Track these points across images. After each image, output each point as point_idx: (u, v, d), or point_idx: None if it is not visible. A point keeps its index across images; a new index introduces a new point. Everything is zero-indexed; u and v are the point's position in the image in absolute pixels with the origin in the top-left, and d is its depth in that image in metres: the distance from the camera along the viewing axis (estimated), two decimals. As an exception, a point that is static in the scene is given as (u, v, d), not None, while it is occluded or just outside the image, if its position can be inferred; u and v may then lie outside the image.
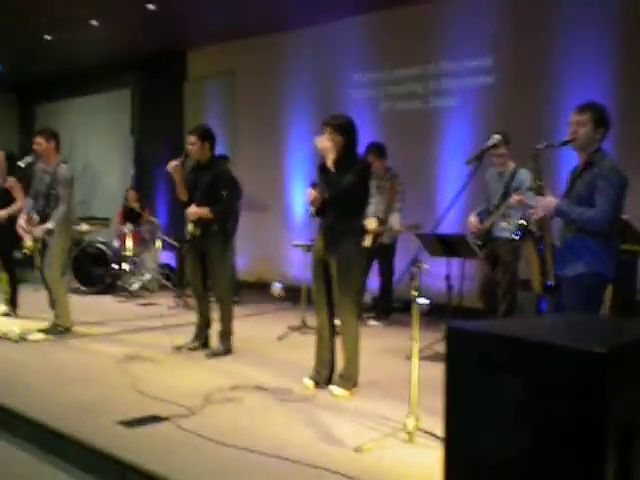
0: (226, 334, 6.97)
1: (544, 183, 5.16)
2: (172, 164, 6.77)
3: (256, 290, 10.98)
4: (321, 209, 5.62)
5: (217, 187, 6.84)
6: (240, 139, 11.61)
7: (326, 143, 5.44)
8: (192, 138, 6.84)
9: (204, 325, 7.14)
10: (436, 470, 3.92)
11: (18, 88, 16.08)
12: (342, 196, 5.46)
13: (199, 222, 6.84)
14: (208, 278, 6.97)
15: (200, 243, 6.90)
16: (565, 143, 4.65)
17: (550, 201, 4.65)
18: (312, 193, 5.56)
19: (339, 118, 5.56)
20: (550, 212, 4.63)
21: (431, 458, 4.15)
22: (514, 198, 6.64)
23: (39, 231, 7.61)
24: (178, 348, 7.05)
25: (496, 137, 4.55)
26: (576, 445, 2.34)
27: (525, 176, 6.83)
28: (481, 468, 2.66)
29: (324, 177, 5.58)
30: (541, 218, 4.73)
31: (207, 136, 6.89)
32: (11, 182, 8.79)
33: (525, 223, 5.61)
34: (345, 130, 5.49)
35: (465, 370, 2.69)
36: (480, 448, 2.64)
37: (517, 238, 5.60)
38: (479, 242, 7.10)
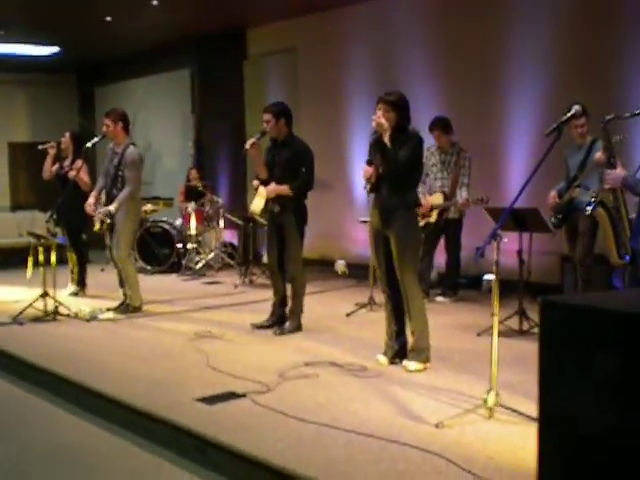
0: (296, 311, 7.00)
1: (615, 154, 5.08)
2: (250, 142, 6.81)
3: (320, 267, 10.99)
4: (376, 185, 5.63)
5: (296, 164, 6.84)
6: (301, 116, 11.55)
7: (381, 120, 5.45)
8: (266, 116, 6.84)
9: (279, 303, 7.16)
10: (520, 446, 3.91)
11: (78, 69, 16.23)
12: (397, 171, 5.47)
13: (277, 199, 6.86)
14: (284, 255, 7.00)
15: (278, 219, 6.92)
16: (635, 115, 4.58)
17: (619, 173, 4.59)
18: (368, 170, 5.61)
19: (392, 94, 5.57)
20: (619, 184, 4.58)
21: (513, 434, 4.12)
22: (597, 156, 6.44)
23: (101, 213, 7.74)
24: (254, 326, 7.10)
25: (576, 107, 4.45)
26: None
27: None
28: (576, 443, 2.62)
29: (379, 153, 5.60)
30: (610, 190, 4.69)
31: (281, 113, 6.87)
32: (78, 164, 8.90)
33: (596, 196, 5.53)
34: (398, 106, 5.50)
35: (560, 344, 2.64)
36: (576, 423, 2.60)
37: (590, 210, 5.53)
38: (559, 216, 7.02)
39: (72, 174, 8.82)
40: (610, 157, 5.04)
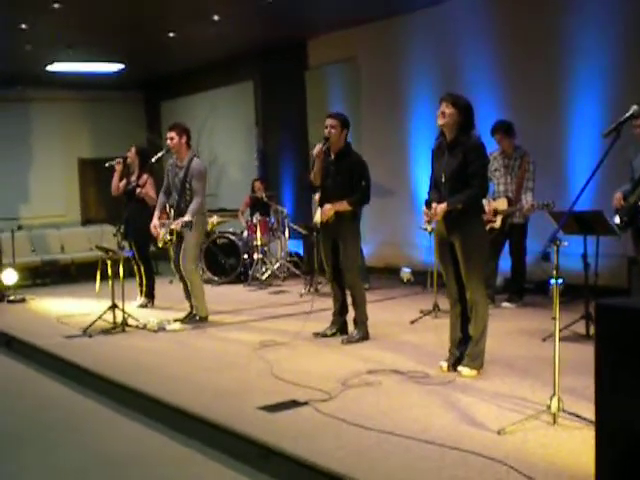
0: (361, 320, 7.02)
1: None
2: (318, 148, 6.84)
3: (385, 276, 10.99)
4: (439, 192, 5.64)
5: (354, 176, 6.86)
6: (363, 126, 11.60)
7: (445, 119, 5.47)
8: (332, 121, 6.82)
9: (339, 311, 7.21)
10: (582, 452, 3.87)
11: (144, 86, 16.55)
12: (461, 179, 5.46)
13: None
14: (340, 264, 7.03)
15: (333, 229, 6.96)
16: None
17: None
18: (427, 213, 5.61)
19: (456, 94, 5.58)
20: None
21: (576, 440, 4.08)
22: None
23: (177, 224, 7.78)
24: (317, 335, 7.15)
25: (634, 107, 4.39)
26: None
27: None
28: (633, 447, 2.60)
29: (439, 158, 5.62)
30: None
31: (346, 123, 6.92)
32: (144, 179, 9.08)
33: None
34: (460, 104, 5.49)
35: (617, 348, 2.62)
36: (633, 427, 2.57)
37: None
38: (625, 219, 6.90)
39: (142, 192, 8.98)
40: None
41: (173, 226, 7.82)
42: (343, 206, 6.82)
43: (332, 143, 6.90)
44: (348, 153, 6.95)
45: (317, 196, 7.21)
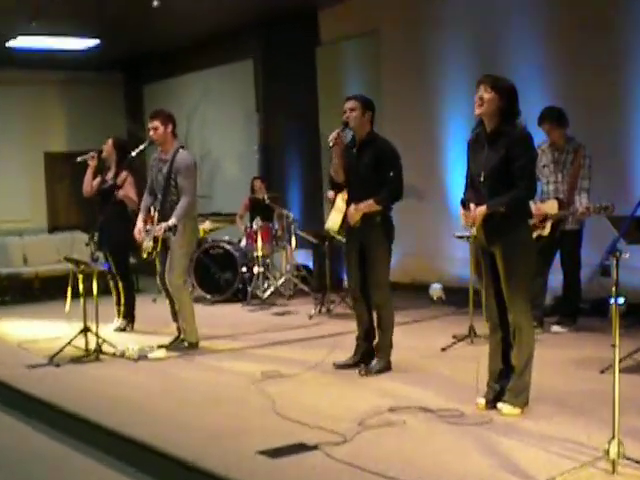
0: (384, 347, 7.01)
1: None
2: (334, 134, 6.84)
3: (411, 293, 10.99)
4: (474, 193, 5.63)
5: (381, 167, 6.84)
6: (386, 113, 11.51)
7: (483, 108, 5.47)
8: (351, 103, 6.86)
9: (364, 336, 7.18)
10: (648, 507, 3.86)
11: (123, 66, 16.59)
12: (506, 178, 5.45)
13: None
14: (367, 279, 7.04)
15: (359, 235, 6.95)
16: None
17: None
18: (467, 216, 5.59)
19: (497, 76, 5.57)
20: None
21: (640, 492, 4.09)
22: None
23: (160, 229, 7.81)
24: (337, 365, 7.15)
25: None
26: None
27: None
28: None
29: (477, 152, 5.63)
30: None
31: (369, 105, 6.93)
32: (123, 176, 9.15)
33: None
34: (501, 87, 5.47)
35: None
36: None
37: None
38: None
39: (120, 193, 9.03)
40: None
41: (156, 232, 7.85)
42: (370, 206, 6.80)
43: (354, 130, 6.93)
44: (373, 140, 6.95)
45: (330, 194, 7.23)
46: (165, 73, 15.81)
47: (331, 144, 6.84)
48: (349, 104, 6.87)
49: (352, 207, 6.86)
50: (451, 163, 10.74)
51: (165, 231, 7.74)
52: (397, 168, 6.89)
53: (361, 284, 7.05)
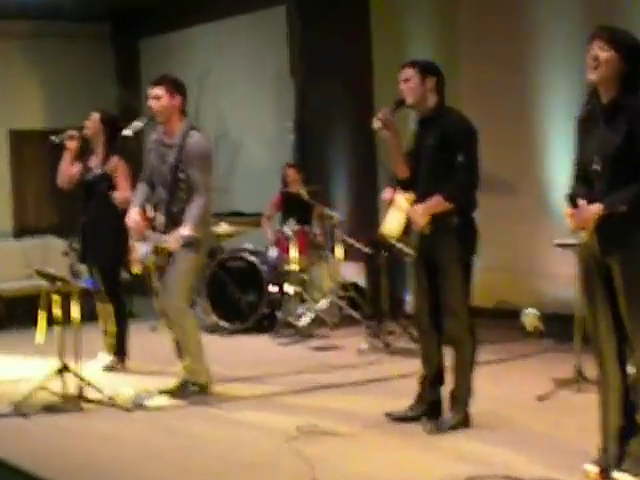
0: (461, 395, 6.96)
1: None
2: (380, 116, 6.82)
3: (497, 322, 10.93)
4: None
5: (447, 150, 6.80)
6: (464, 82, 11.50)
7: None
8: (408, 72, 6.84)
9: (432, 380, 7.14)
10: None
11: (113, 14, 16.57)
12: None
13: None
14: (440, 305, 7.01)
15: (428, 245, 6.93)
16: None
17: None
18: (575, 215, 5.49)
19: (616, 29, 5.51)
20: None
21: None
22: None
23: (173, 241, 7.75)
24: (390, 417, 7.13)
25: None
26: None
27: None
28: None
29: (590, 133, 5.55)
30: None
31: (429, 70, 6.91)
32: (114, 163, 9.09)
33: None
34: (626, 47, 5.39)
35: None
36: None
37: None
38: None
39: (117, 198, 8.89)
40: None
41: (168, 244, 7.79)
42: (437, 205, 6.75)
43: (413, 106, 6.91)
44: (440, 116, 6.92)
45: (387, 195, 7.18)
46: (167, 24, 15.75)
47: (376, 127, 6.80)
48: (403, 73, 6.86)
49: (416, 207, 6.84)
50: (553, 148, 10.68)
51: (181, 243, 7.69)
52: (469, 149, 6.83)
53: (431, 310, 7.02)
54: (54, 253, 11.52)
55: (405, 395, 7.28)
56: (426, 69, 6.88)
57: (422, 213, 6.77)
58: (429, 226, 6.79)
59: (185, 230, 7.68)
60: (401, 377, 8.32)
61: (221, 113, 14.74)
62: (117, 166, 9.08)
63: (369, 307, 11.63)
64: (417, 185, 6.92)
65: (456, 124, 6.91)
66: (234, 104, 14.81)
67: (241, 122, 14.76)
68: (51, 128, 11.18)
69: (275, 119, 14.23)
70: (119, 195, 8.93)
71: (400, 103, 6.86)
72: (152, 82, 8.15)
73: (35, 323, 8.38)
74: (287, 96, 14.02)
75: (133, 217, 7.99)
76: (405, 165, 6.95)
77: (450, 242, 6.81)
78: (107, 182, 9.09)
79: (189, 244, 7.71)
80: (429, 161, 6.85)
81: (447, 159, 6.78)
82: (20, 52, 16.20)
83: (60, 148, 9.53)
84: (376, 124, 6.81)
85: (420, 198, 6.82)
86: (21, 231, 15.79)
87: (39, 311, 8.30)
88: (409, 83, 6.83)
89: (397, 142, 6.92)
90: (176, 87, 8.06)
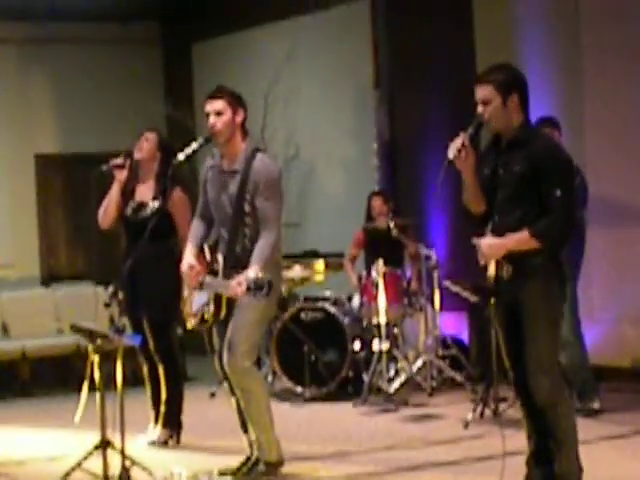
0: (564, 475, 6.81)
1: None
2: (458, 141, 6.78)
3: (633, 384, 10.90)
4: None
5: (537, 181, 6.74)
6: (587, 91, 11.53)
7: None
8: (486, 91, 6.78)
9: (536, 456, 7.05)
10: None
11: (162, 14, 16.80)
12: None
13: (508, 256, 6.83)
14: (526, 363, 6.97)
15: (509, 292, 6.92)
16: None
17: None
18: None
19: None
20: None
21: None
22: None
23: (238, 286, 7.51)
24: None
25: None
26: None
27: None
28: None
29: None
30: None
31: (515, 83, 6.86)
32: (176, 198, 9.09)
33: None
34: None
35: None
36: None
37: None
38: None
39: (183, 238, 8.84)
40: None
41: (230, 290, 7.72)
42: (520, 242, 6.69)
43: (494, 129, 6.89)
44: (528, 140, 6.88)
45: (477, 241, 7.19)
46: (225, 25, 15.86)
47: (451, 157, 6.75)
48: (479, 91, 6.77)
49: (487, 240, 6.83)
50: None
51: (251, 290, 7.38)
52: (567, 183, 6.81)
53: (519, 368, 7.02)
54: (90, 303, 11.56)
55: (519, 474, 7.29)
56: (507, 85, 6.76)
57: (496, 249, 6.75)
58: (509, 267, 6.78)
59: (252, 272, 7.48)
60: (514, 454, 8.30)
61: (291, 132, 14.81)
62: (180, 201, 9.13)
63: (474, 368, 11.63)
64: (496, 217, 6.91)
65: (549, 151, 6.86)
66: (307, 121, 14.88)
67: (315, 142, 14.79)
68: (87, 152, 11.19)
69: (356, 139, 14.27)
70: (183, 234, 8.82)
71: (479, 126, 6.83)
72: (210, 95, 8.06)
73: (67, 387, 8.42)
74: (370, 111, 14.06)
75: (188, 261, 7.90)
76: (482, 198, 6.93)
77: (533, 286, 6.70)
78: (165, 220, 9.03)
79: (257, 290, 7.43)
80: (510, 190, 6.81)
81: (533, 190, 6.76)
82: (50, 63, 16.27)
83: (105, 178, 9.36)
84: (453, 153, 6.75)
85: (496, 232, 6.82)
86: (50, 278, 15.83)
87: (78, 376, 8.31)
88: (489, 108, 6.79)
89: (471, 172, 6.88)
90: (237, 101, 8.01)
